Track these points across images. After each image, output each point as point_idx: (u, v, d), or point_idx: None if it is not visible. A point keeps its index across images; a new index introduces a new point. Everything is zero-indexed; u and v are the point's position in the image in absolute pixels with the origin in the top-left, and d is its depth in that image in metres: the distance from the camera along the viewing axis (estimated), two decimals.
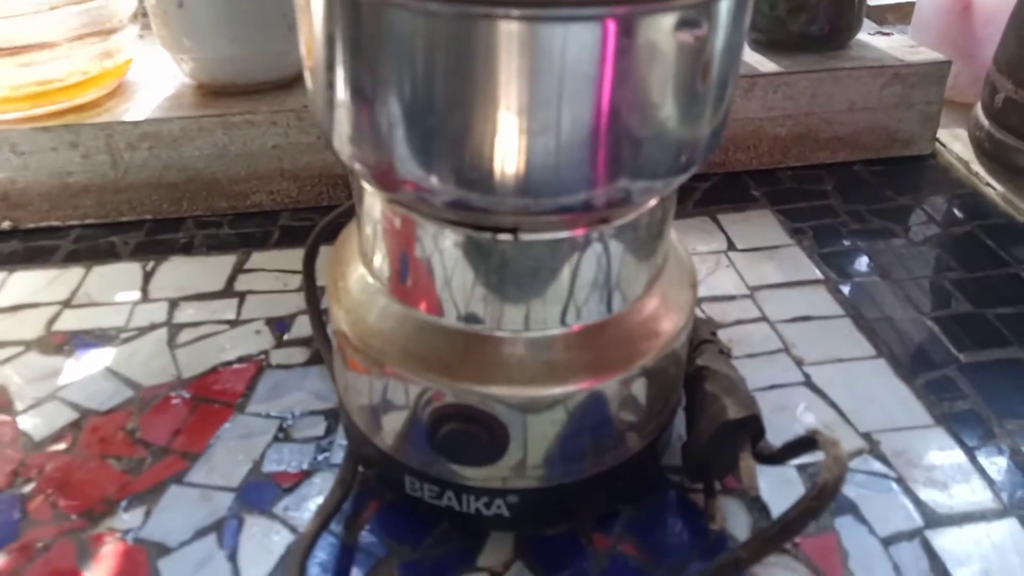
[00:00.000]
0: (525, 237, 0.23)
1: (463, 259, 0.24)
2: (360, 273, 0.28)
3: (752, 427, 0.28)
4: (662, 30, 0.19)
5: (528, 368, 0.25)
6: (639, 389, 0.27)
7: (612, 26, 0.19)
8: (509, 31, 0.19)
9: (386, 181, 0.23)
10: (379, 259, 0.27)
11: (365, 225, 0.27)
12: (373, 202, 0.26)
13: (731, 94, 0.23)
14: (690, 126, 0.22)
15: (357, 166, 0.23)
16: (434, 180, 0.22)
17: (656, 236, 0.26)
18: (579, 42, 0.19)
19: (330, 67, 0.22)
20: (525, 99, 0.20)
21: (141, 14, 0.52)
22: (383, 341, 0.26)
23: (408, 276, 0.26)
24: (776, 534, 0.22)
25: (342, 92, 0.22)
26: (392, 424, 0.27)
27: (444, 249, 0.24)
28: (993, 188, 0.49)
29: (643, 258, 0.26)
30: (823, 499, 0.22)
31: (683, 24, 0.19)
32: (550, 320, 0.25)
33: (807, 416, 0.33)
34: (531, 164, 0.21)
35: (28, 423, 0.34)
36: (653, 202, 0.25)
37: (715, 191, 0.50)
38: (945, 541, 0.28)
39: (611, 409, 0.26)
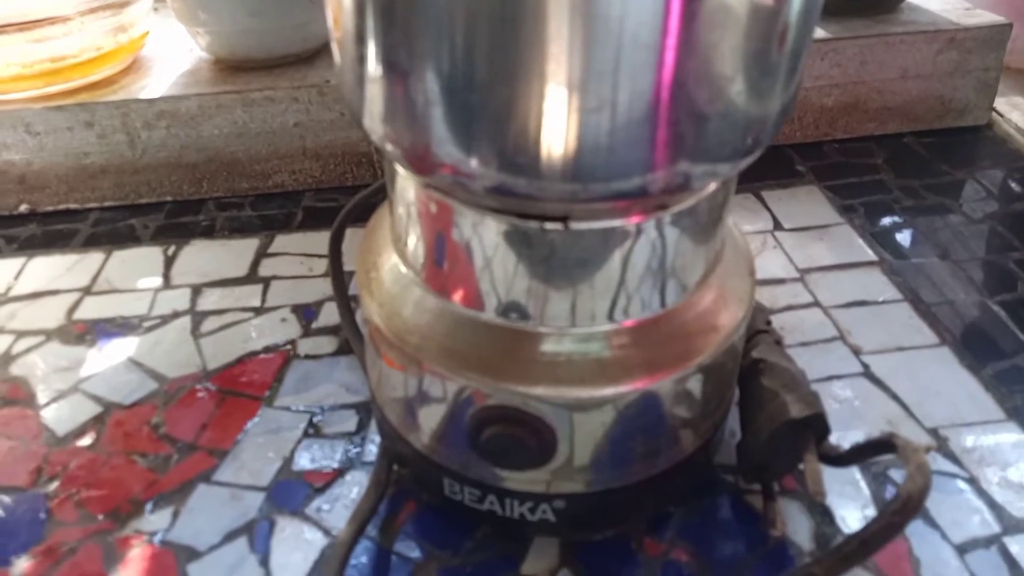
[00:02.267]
0: (576, 226, 0.21)
1: (506, 249, 0.22)
2: (393, 262, 0.26)
3: (816, 426, 0.26)
4: None
5: (576, 367, 0.23)
6: (695, 387, 0.25)
7: None
8: None
9: (422, 164, 0.21)
10: (414, 248, 0.25)
11: (398, 210, 0.25)
12: (407, 186, 0.24)
13: (804, 64, 0.21)
14: (761, 101, 0.20)
15: (390, 147, 0.21)
16: (474, 163, 0.19)
17: (715, 221, 0.24)
18: (640, 7, 0.17)
19: (360, 38, 0.20)
20: (578, 72, 0.17)
21: None
22: (420, 337, 0.24)
23: (446, 267, 0.24)
24: (854, 550, 0.20)
25: (374, 66, 0.20)
26: (429, 424, 0.25)
27: (485, 238, 0.22)
28: None
29: (701, 246, 0.24)
30: (906, 513, 0.20)
31: None
32: (600, 315, 0.23)
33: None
34: (583, 145, 0.19)
35: (51, 417, 0.33)
36: (714, 186, 0.23)
37: (758, 166, 0.47)
38: None
39: (665, 409, 0.24)
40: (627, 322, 0.23)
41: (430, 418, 0.25)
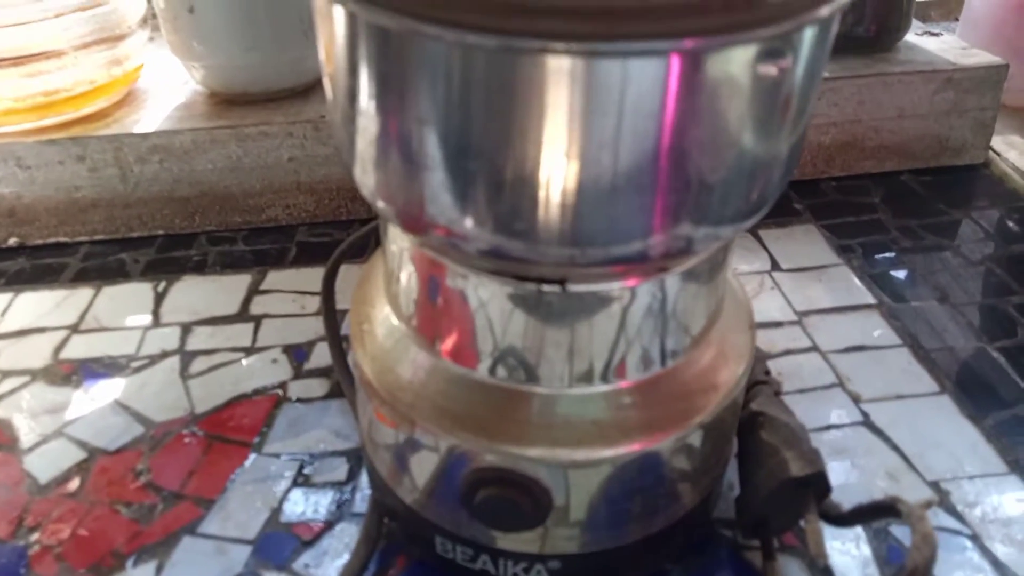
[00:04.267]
0: (574, 288, 0.21)
1: (502, 310, 0.22)
2: (386, 315, 0.25)
3: (817, 485, 0.25)
4: (738, 64, 0.17)
5: (573, 429, 0.22)
6: (694, 446, 0.24)
7: (681, 61, 0.16)
8: (561, 66, 0.16)
9: (414, 225, 0.21)
10: (407, 302, 0.24)
11: (391, 265, 0.24)
12: (400, 241, 0.23)
13: (807, 123, 0.21)
14: (763, 166, 0.19)
15: (381, 205, 0.21)
16: (469, 225, 0.19)
17: (715, 277, 0.24)
18: (642, 79, 0.16)
19: (352, 98, 0.19)
20: (576, 140, 0.17)
21: (151, 16, 0.50)
22: (413, 395, 0.24)
23: (440, 324, 0.23)
24: None
25: (366, 125, 0.19)
26: (421, 481, 0.25)
27: (480, 298, 0.22)
28: None
29: (700, 304, 0.23)
30: None
31: (764, 57, 0.17)
32: (597, 376, 0.23)
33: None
34: (581, 211, 0.18)
35: (34, 463, 0.32)
36: (717, 245, 0.22)
37: None
38: None
39: (663, 469, 0.24)
40: (625, 383, 0.23)
41: (422, 475, 0.25)
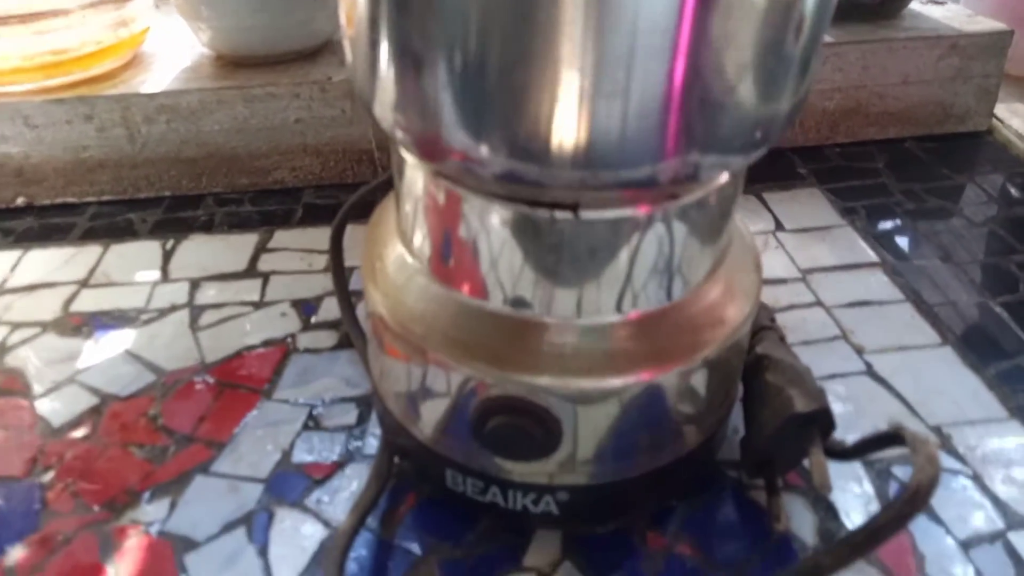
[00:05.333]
0: (585, 215, 0.21)
1: (514, 238, 0.22)
2: (398, 253, 0.26)
3: (822, 421, 0.26)
4: None
5: (582, 358, 0.23)
6: (700, 381, 0.25)
7: None
8: None
9: (431, 150, 0.21)
10: (420, 238, 0.25)
11: (405, 201, 0.25)
12: (415, 175, 0.24)
13: (817, 60, 0.21)
14: (774, 94, 0.20)
15: (400, 134, 0.21)
16: (485, 149, 0.19)
17: (724, 215, 0.24)
18: None
19: (374, 24, 0.20)
20: (591, 58, 0.17)
21: None
22: (424, 327, 0.24)
23: (452, 256, 0.24)
24: (863, 540, 0.20)
25: (386, 52, 0.20)
26: (433, 415, 0.25)
27: (493, 227, 0.22)
28: None
29: (709, 239, 0.24)
30: (916, 503, 0.20)
31: None
32: (607, 306, 0.23)
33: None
34: (594, 133, 0.19)
35: (46, 408, 0.33)
36: (724, 179, 0.23)
37: (759, 168, 0.47)
38: None
39: (670, 402, 0.24)
40: (634, 314, 0.23)
41: (433, 409, 0.25)
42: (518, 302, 0.23)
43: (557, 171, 0.19)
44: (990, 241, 0.41)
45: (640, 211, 0.21)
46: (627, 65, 0.18)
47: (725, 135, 0.20)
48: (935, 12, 0.50)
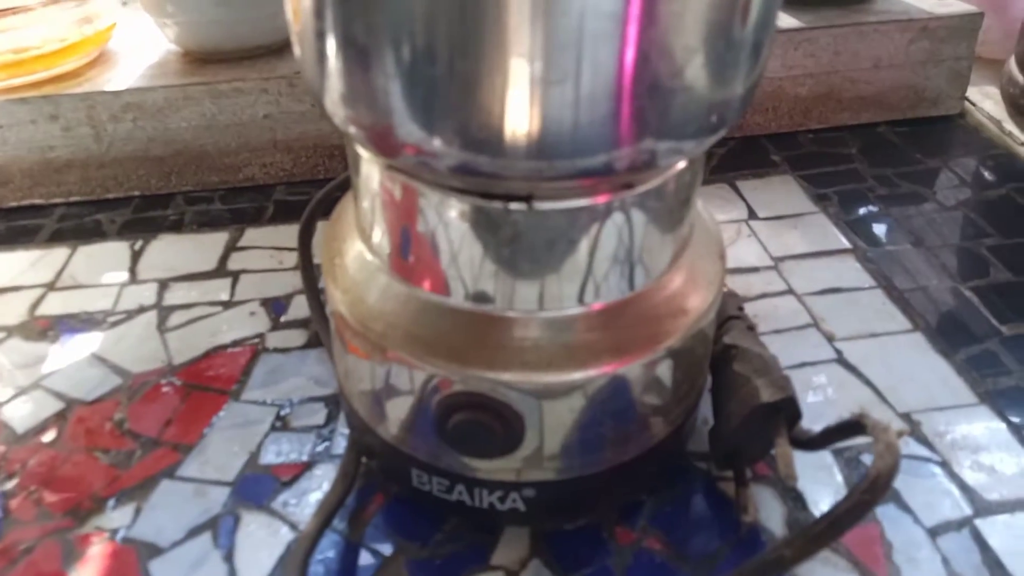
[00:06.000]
0: (540, 206, 0.21)
1: (471, 232, 0.22)
2: (358, 250, 0.25)
3: (787, 410, 0.26)
4: None
5: (544, 352, 0.23)
6: (665, 372, 0.24)
7: None
8: None
9: (384, 145, 0.20)
10: (378, 234, 0.24)
11: (362, 197, 0.24)
12: (370, 170, 0.23)
13: (769, 45, 0.21)
14: (726, 76, 0.19)
15: (352, 129, 0.21)
16: (437, 142, 0.19)
17: (683, 203, 0.24)
18: None
19: (319, 15, 0.19)
20: (539, 45, 0.17)
21: None
22: (385, 324, 0.24)
23: (410, 252, 0.23)
24: (824, 531, 0.20)
25: (332, 45, 0.19)
26: (396, 413, 0.25)
27: (449, 221, 0.22)
28: None
29: (669, 228, 0.24)
30: (876, 492, 0.20)
31: None
32: (567, 299, 0.23)
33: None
34: (546, 121, 0.18)
35: (10, 414, 0.32)
36: (681, 165, 0.22)
37: (733, 156, 0.47)
38: (997, 531, 0.26)
39: (635, 394, 0.24)
40: (595, 305, 0.23)
41: (397, 407, 0.25)
42: (477, 297, 0.23)
43: (511, 161, 0.19)
44: (962, 225, 0.41)
45: (596, 200, 0.21)
46: (576, 52, 0.17)
47: (679, 120, 0.20)
48: None
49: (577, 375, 0.23)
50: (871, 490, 0.19)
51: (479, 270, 0.22)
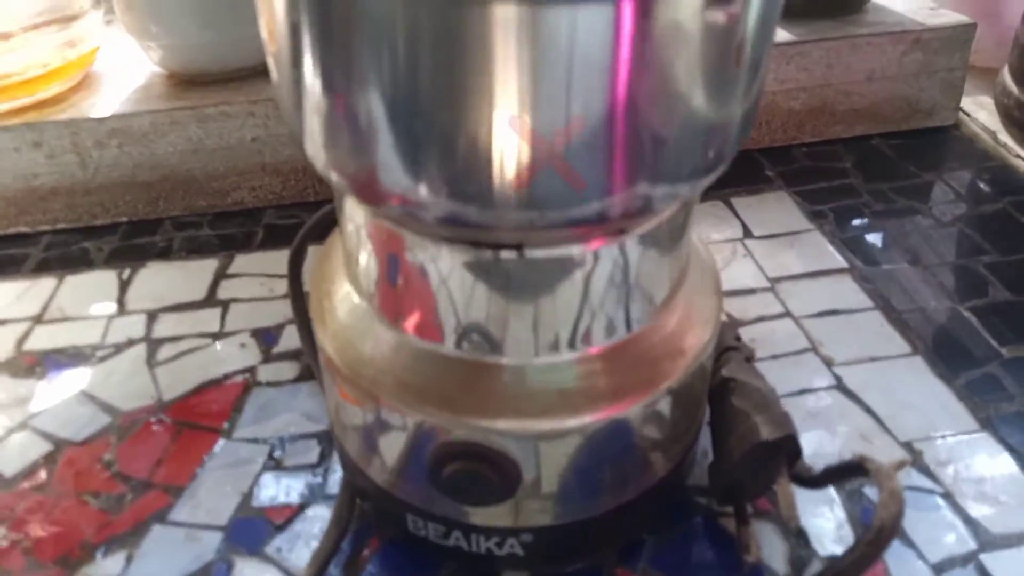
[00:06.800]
0: (531, 253, 0.20)
1: (461, 279, 0.21)
2: (346, 291, 0.25)
3: (788, 448, 0.25)
4: (688, 9, 0.16)
5: (539, 399, 0.22)
6: (663, 412, 0.24)
7: (629, 8, 0.16)
8: (507, 18, 0.16)
9: (368, 194, 0.20)
10: (366, 278, 0.24)
11: (348, 238, 0.24)
12: (356, 213, 0.23)
13: (764, 75, 0.20)
14: (719, 119, 0.19)
15: (334, 176, 0.20)
16: (423, 192, 0.18)
17: (678, 241, 0.23)
18: (590, 28, 0.16)
19: (296, 62, 0.19)
20: (527, 96, 0.17)
21: None
22: (375, 371, 0.23)
23: (399, 297, 0.23)
24: None
25: (312, 92, 0.19)
26: (390, 459, 0.24)
27: (439, 268, 0.21)
28: (1023, 159, 0.46)
29: (664, 268, 0.23)
30: (880, 543, 0.19)
31: (712, 1, 0.16)
32: (561, 344, 0.22)
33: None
34: (536, 172, 0.18)
35: None
36: (676, 206, 0.22)
37: (727, 173, 0.47)
38: (1003, 565, 0.25)
39: (633, 436, 0.24)
40: (590, 350, 0.23)
41: (390, 453, 0.24)
42: (469, 344, 0.22)
43: (501, 212, 0.18)
44: (958, 242, 0.41)
45: (589, 247, 0.21)
46: (565, 103, 0.17)
47: (673, 166, 0.19)
48: (898, 5, 0.50)
49: (572, 421, 0.22)
50: (875, 542, 0.19)
51: (470, 317, 0.22)
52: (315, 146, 0.20)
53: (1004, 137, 0.47)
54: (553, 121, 0.17)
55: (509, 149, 0.17)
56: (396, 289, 0.23)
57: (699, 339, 0.24)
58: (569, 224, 0.19)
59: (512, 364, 0.22)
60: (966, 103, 0.50)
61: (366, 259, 0.23)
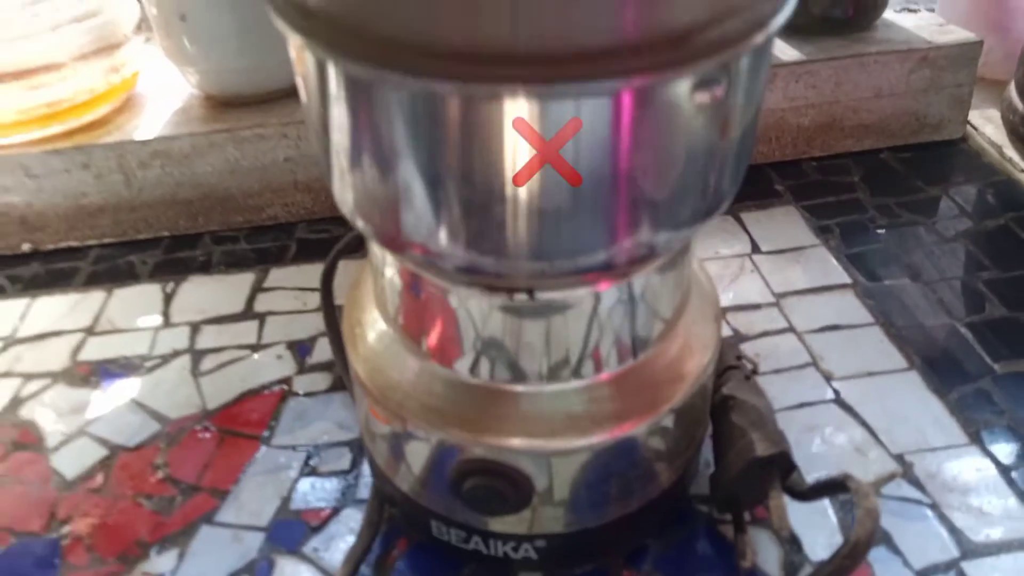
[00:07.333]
0: (542, 296, 0.22)
1: (478, 316, 0.24)
2: (376, 320, 0.27)
3: (781, 464, 0.27)
4: (678, 95, 0.18)
5: (550, 421, 0.25)
6: (666, 431, 0.26)
7: (627, 97, 0.18)
8: (516, 107, 0.18)
9: (392, 243, 0.22)
10: (393, 309, 0.26)
11: (378, 273, 0.26)
12: (384, 253, 0.25)
13: (754, 133, 0.22)
14: (712, 177, 0.21)
15: (360, 224, 0.23)
16: (442, 244, 0.21)
17: (679, 274, 0.25)
18: (591, 115, 0.18)
19: (327, 131, 0.21)
20: (537, 171, 0.19)
21: (144, 21, 0.51)
22: (402, 394, 0.26)
23: (424, 329, 0.25)
24: None
25: (342, 158, 0.21)
26: (414, 472, 0.27)
27: (459, 306, 0.24)
28: None
29: (664, 301, 0.25)
30: (855, 557, 0.21)
31: (701, 87, 0.18)
32: (570, 372, 0.24)
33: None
34: (544, 233, 0.20)
35: (60, 461, 0.35)
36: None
37: None
38: (982, 573, 0.27)
39: (637, 454, 0.26)
40: (596, 377, 0.25)
41: (415, 467, 0.27)
42: (487, 372, 0.25)
43: (513, 263, 0.21)
44: (960, 258, 0.42)
45: (596, 289, 0.23)
46: (571, 175, 0.19)
47: (671, 218, 0.21)
48: (907, 22, 0.51)
49: (580, 442, 0.25)
50: (851, 555, 0.21)
51: (487, 348, 0.24)
52: (344, 197, 0.22)
53: (1010, 152, 0.48)
54: (560, 192, 0.19)
55: (520, 216, 0.20)
56: (420, 321, 0.25)
57: (699, 364, 0.27)
58: (577, 272, 0.21)
59: (525, 390, 0.25)
60: (974, 116, 0.52)
61: (393, 292, 0.26)
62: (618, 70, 0.17)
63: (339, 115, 0.20)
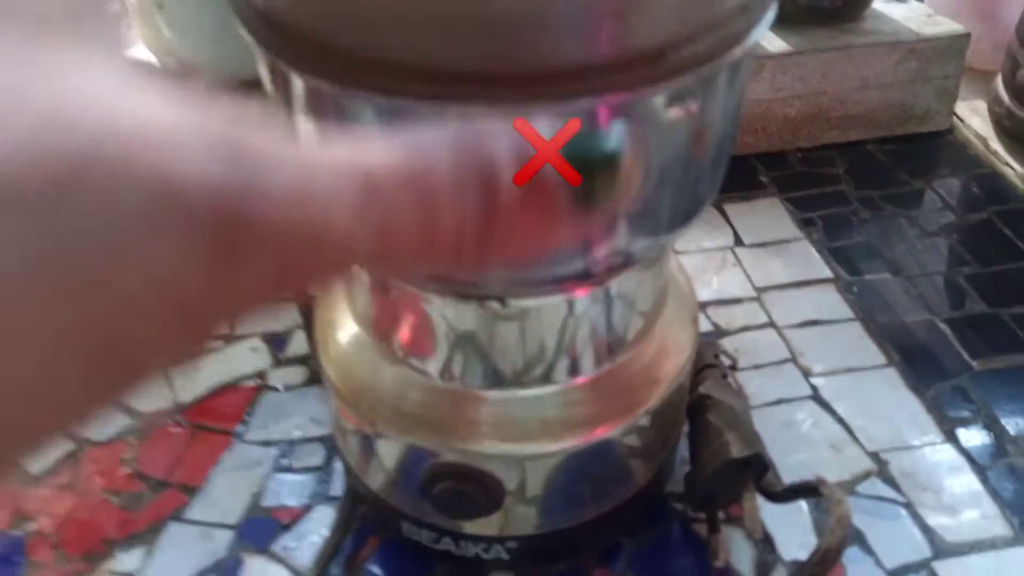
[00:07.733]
0: (514, 303, 0.22)
1: (450, 322, 0.23)
2: (348, 323, 0.27)
3: (755, 465, 0.27)
4: (653, 111, 0.18)
5: (522, 426, 0.24)
6: (641, 433, 0.26)
7: (603, 113, 0.17)
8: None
9: None
10: (365, 313, 0.26)
11: (351, 279, 0.26)
12: None
13: (734, 136, 0.22)
14: (690, 188, 0.21)
15: None
16: None
17: (655, 278, 0.25)
18: (568, 131, 0.17)
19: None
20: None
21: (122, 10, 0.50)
22: (373, 398, 0.25)
23: (396, 335, 0.25)
24: None
25: None
26: (385, 474, 0.27)
27: (430, 313, 0.23)
28: (1012, 168, 0.46)
29: (639, 305, 0.25)
30: (826, 564, 0.21)
31: (675, 103, 0.18)
32: (543, 377, 0.24)
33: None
34: None
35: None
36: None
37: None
38: (953, 573, 0.27)
39: (612, 457, 0.26)
40: (570, 381, 0.24)
41: (385, 469, 0.26)
42: (458, 377, 0.24)
43: (484, 274, 0.20)
44: (942, 252, 0.42)
45: (569, 296, 0.22)
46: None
47: (647, 229, 0.21)
48: (896, 12, 0.50)
49: (553, 446, 0.24)
50: (821, 563, 0.21)
51: (459, 353, 0.24)
52: None
53: (995, 144, 0.48)
54: None
55: None
56: (392, 325, 0.24)
57: (675, 366, 0.26)
58: (552, 281, 0.21)
59: (498, 395, 0.24)
60: (960, 107, 0.51)
61: (366, 296, 0.25)
62: (592, 88, 0.16)
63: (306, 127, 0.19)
